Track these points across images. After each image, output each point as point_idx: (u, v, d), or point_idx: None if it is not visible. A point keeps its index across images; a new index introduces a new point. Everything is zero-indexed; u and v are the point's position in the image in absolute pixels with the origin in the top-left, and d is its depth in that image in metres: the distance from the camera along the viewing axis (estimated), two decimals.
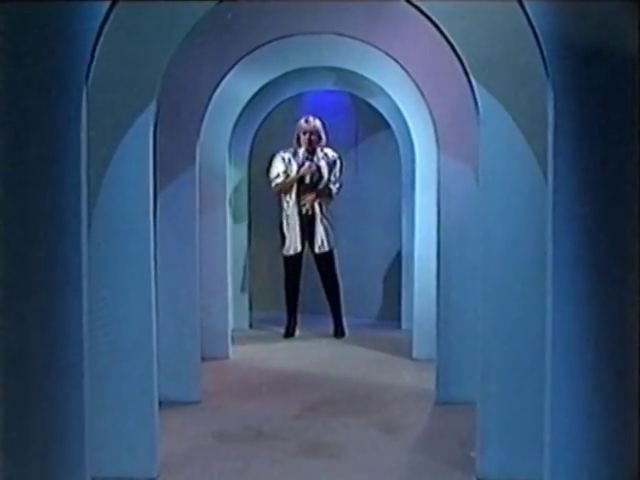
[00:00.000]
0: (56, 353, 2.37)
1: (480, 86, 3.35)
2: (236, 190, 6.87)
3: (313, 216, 6.59)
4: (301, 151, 6.62)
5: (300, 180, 6.59)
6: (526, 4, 2.48)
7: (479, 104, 3.36)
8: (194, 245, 4.63)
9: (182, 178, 4.57)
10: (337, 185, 6.66)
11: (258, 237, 7.20)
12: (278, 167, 6.61)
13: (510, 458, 3.39)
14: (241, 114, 5.95)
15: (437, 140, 4.63)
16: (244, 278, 7.06)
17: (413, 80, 4.79)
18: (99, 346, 3.21)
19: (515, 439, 3.36)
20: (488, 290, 3.39)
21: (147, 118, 3.42)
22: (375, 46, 4.87)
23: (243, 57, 4.87)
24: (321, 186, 6.61)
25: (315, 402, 4.77)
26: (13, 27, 2.23)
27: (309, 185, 6.61)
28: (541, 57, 2.48)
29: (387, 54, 4.86)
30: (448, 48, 3.47)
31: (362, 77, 5.78)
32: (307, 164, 6.58)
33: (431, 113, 4.68)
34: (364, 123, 7.41)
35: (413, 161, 5.92)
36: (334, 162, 6.66)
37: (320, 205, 6.60)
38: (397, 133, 6.62)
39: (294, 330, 6.75)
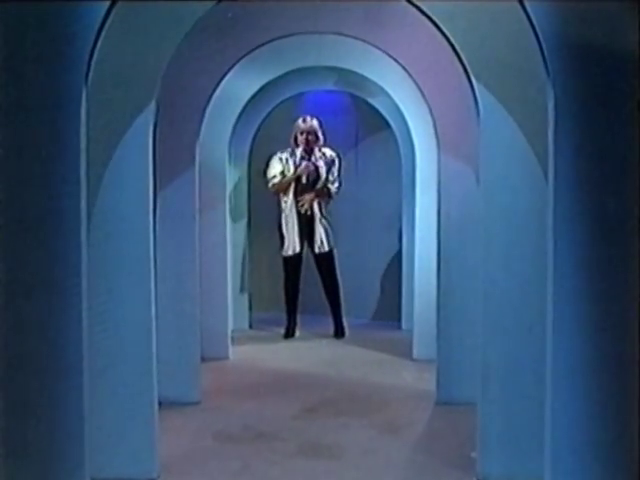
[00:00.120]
0: (55, 353, 2.36)
1: (480, 86, 3.34)
2: (236, 190, 6.86)
3: (312, 216, 6.58)
4: (299, 151, 6.61)
5: (297, 180, 6.59)
6: (527, 4, 2.47)
7: (479, 104, 3.35)
8: (194, 245, 4.62)
9: (182, 178, 4.57)
10: (336, 185, 6.65)
11: (258, 237, 7.20)
12: (275, 167, 6.60)
13: (510, 458, 3.39)
14: (241, 114, 5.95)
15: (437, 140, 4.63)
16: (244, 278, 7.05)
17: (413, 80, 4.78)
18: (99, 346, 3.21)
19: (515, 439, 3.35)
20: (488, 290, 3.39)
21: (147, 118, 3.42)
22: (375, 46, 4.87)
23: (243, 57, 4.87)
24: (319, 186, 6.60)
25: (315, 403, 4.77)
26: (13, 27, 2.23)
27: (307, 185, 6.60)
28: (541, 57, 2.47)
29: (387, 54, 4.86)
30: (448, 48, 3.46)
31: (362, 77, 5.78)
32: (304, 164, 6.58)
33: (431, 113, 4.67)
34: (364, 123, 7.40)
35: (413, 161, 5.92)
36: (332, 161, 6.65)
37: (319, 205, 6.60)
38: (397, 133, 6.61)
39: (294, 330, 6.74)
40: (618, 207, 2.38)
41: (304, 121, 6.59)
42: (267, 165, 6.65)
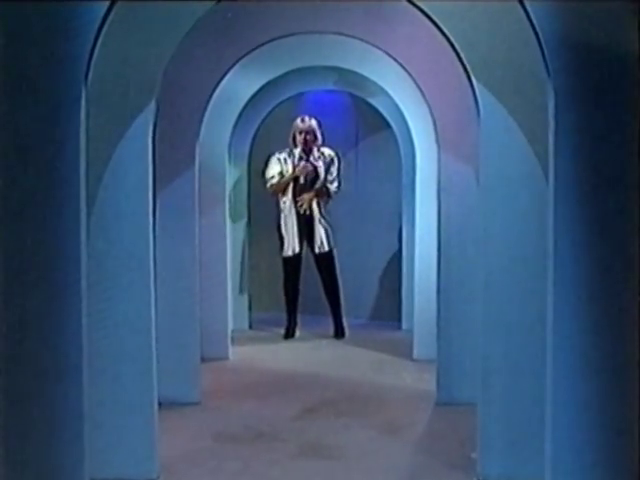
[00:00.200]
0: (55, 354, 2.36)
1: (481, 86, 3.34)
2: (235, 190, 6.85)
3: (311, 216, 6.57)
4: (297, 151, 6.61)
5: (296, 180, 6.58)
6: (527, 3, 2.47)
7: (479, 104, 3.35)
8: (194, 245, 4.62)
9: (182, 178, 4.56)
10: (336, 184, 6.63)
11: (258, 237, 7.19)
12: (274, 168, 6.60)
13: (511, 459, 3.38)
14: (241, 114, 5.94)
15: (437, 140, 4.62)
16: (244, 278, 7.05)
17: (413, 80, 4.78)
18: (98, 347, 3.20)
19: (516, 440, 3.35)
20: (489, 290, 3.39)
21: (146, 117, 3.41)
22: (375, 46, 4.87)
23: (243, 56, 4.86)
24: (317, 186, 6.59)
25: (315, 403, 4.76)
26: (12, 27, 2.22)
27: (305, 185, 6.59)
28: (542, 56, 2.47)
29: (387, 54, 4.85)
30: (448, 48, 3.46)
31: (362, 77, 5.77)
32: (302, 164, 6.57)
33: (431, 113, 4.67)
34: (364, 123, 7.40)
35: (413, 161, 5.91)
36: (331, 160, 6.64)
37: (318, 205, 6.59)
38: (397, 133, 6.61)
39: (294, 331, 6.73)
40: (618, 207, 2.38)
41: (302, 121, 6.59)
42: (266, 165, 6.64)
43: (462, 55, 3.40)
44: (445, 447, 3.95)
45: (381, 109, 6.61)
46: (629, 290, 2.36)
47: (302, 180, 6.58)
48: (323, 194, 6.60)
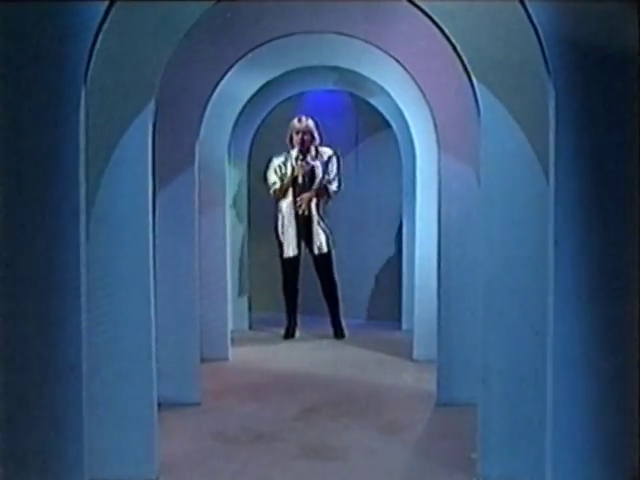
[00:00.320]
0: (54, 354, 2.36)
1: (481, 85, 3.33)
2: (235, 190, 6.85)
3: (310, 217, 6.56)
4: (295, 152, 6.60)
5: (295, 181, 6.57)
6: (527, 3, 2.47)
7: (480, 103, 3.34)
8: (193, 245, 4.61)
9: (181, 178, 4.56)
10: (335, 184, 6.61)
11: (257, 237, 7.18)
12: (274, 174, 6.59)
13: (511, 459, 3.37)
14: (241, 113, 5.93)
15: (438, 140, 4.61)
16: (243, 278, 7.04)
17: (414, 79, 4.77)
18: (98, 347, 3.19)
19: (516, 440, 3.34)
20: (489, 290, 3.38)
21: (146, 117, 3.40)
22: (376, 45, 4.86)
23: (243, 56, 4.86)
24: (315, 186, 6.58)
25: (315, 404, 4.76)
26: (12, 27, 2.22)
27: (304, 185, 6.58)
28: (542, 56, 2.47)
29: (388, 53, 4.85)
30: (449, 47, 3.45)
31: (362, 76, 5.77)
32: (299, 164, 6.55)
33: (432, 113, 4.66)
34: (364, 123, 7.39)
35: (414, 161, 5.91)
36: (329, 159, 6.62)
37: (317, 206, 6.57)
38: (398, 133, 6.60)
39: (294, 331, 6.73)
40: (619, 206, 2.37)
41: (299, 121, 6.58)
42: (266, 169, 6.63)
43: (462, 55, 3.40)
44: (445, 447, 3.94)
45: (381, 109, 6.60)
46: (630, 290, 2.35)
47: (300, 180, 6.57)
48: (323, 194, 6.59)
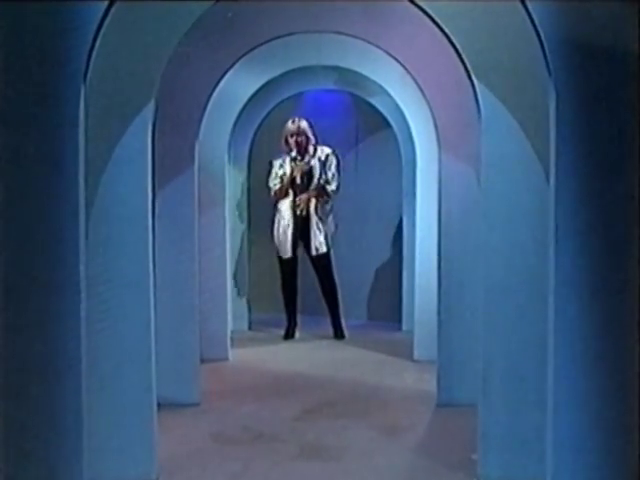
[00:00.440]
0: (54, 355, 2.35)
1: (482, 85, 3.33)
2: (235, 190, 6.84)
3: (308, 218, 6.55)
4: (293, 153, 6.59)
5: (293, 181, 6.57)
6: (528, 4, 2.46)
7: (480, 103, 3.33)
8: (193, 245, 4.60)
9: (181, 178, 4.55)
10: (335, 184, 6.59)
11: (257, 237, 7.18)
12: (275, 176, 6.59)
13: (512, 460, 3.37)
14: (241, 113, 5.93)
15: (438, 140, 4.61)
16: (243, 279, 7.04)
17: (414, 79, 4.77)
18: (97, 348, 3.19)
19: (517, 441, 3.33)
20: (489, 291, 3.37)
21: (146, 117, 3.40)
22: (376, 45, 4.86)
23: (243, 56, 4.85)
24: (313, 186, 6.57)
25: (315, 404, 4.75)
26: (11, 26, 2.22)
27: (302, 186, 6.57)
28: (543, 56, 2.46)
29: (388, 53, 4.84)
30: (450, 47, 3.44)
31: (362, 76, 5.76)
32: (297, 164, 6.55)
33: (432, 113, 4.66)
34: (365, 123, 7.39)
35: (414, 161, 5.90)
36: (327, 159, 6.60)
37: (315, 206, 6.56)
38: (398, 133, 6.60)
39: (294, 332, 6.72)
40: (619, 207, 2.37)
41: (292, 122, 6.57)
42: (268, 174, 6.64)
43: (463, 54, 3.39)
44: (445, 448, 3.94)
45: (381, 109, 6.60)
46: (631, 291, 2.35)
47: (299, 181, 6.56)
48: (321, 194, 6.57)
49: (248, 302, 7.08)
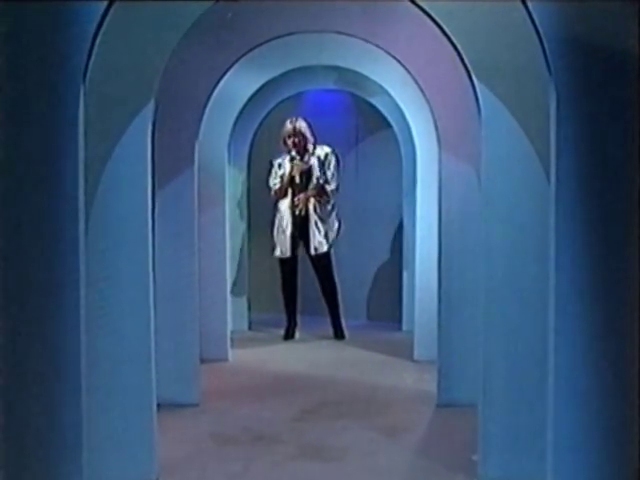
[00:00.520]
0: (53, 355, 2.35)
1: (482, 85, 3.32)
2: (235, 190, 6.84)
3: (307, 217, 6.54)
4: (292, 153, 6.59)
5: (292, 181, 6.57)
6: (529, 3, 2.46)
7: (481, 103, 3.33)
8: (193, 245, 4.60)
9: (181, 178, 4.55)
10: (334, 184, 6.58)
11: (257, 237, 7.18)
12: (275, 176, 6.59)
13: (512, 461, 3.36)
14: (241, 113, 5.92)
15: (438, 140, 4.60)
16: (243, 279, 7.03)
17: (414, 79, 4.76)
18: (97, 348, 3.18)
19: (517, 442, 3.33)
20: (490, 291, 3.37)
21: (145, 117, 3.39)
22: (376, 45, 4.85)
23: (243, 55, 4.85)
24: (312, 185, 6.56)
25: (315, 404, 4.74)
26: (11, 26, 2.22)
27: (301, 185, 6.57)
28: (543, 56, 2.46)
29: (388, 53, 4.84)
30: (450, 47, 3.44)
31: (363, 76, 5.76)
32: (295, 164, 6.55)
33: (432, 112, 4.65)
34: (365, 122, 7.38)
35: (414, 161, 5.90)
36: (326, 158, 6.60)
37: (314, 206, 6.55)
38: (398, 133, 6.59)
39: (294, 332, 6.72)
40: (620, 207, 2.37)
41: (290, 123, 6.55)
42: (268, 177, 6.64)
43: (463, 54, 3.38)
44: (446, 449, 3.93)
45: (381, 108, 6.59)
46: (631, 290, 2.35)
47: (297, 180, 6.56)
48: (321, 194, 6.56)
49: (248, 302, 7.08)
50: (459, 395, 4.45)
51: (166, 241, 4.47)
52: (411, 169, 6.18)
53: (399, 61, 4.82)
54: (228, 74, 4.86)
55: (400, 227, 6.97)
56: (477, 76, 3.34)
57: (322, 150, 6.61)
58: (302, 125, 6.55)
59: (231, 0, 4.38)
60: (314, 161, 6.57)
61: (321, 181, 6.55)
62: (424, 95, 4.72)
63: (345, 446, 4.00)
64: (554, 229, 2.44)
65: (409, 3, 3.34)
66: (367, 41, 4.87)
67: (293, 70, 5.82)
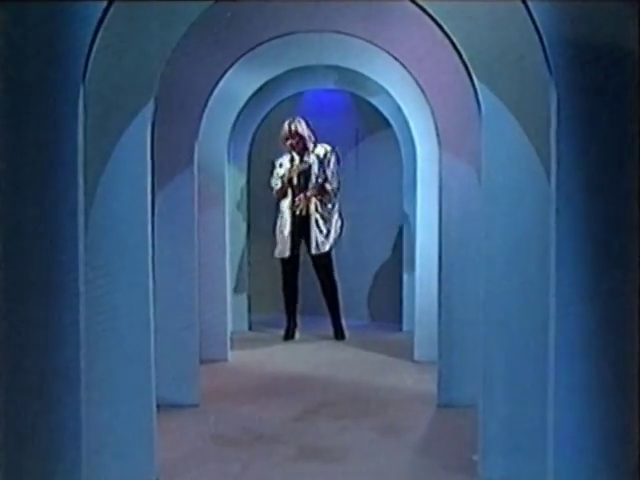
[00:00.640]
0: (52, 356, 2.35)
1: (482, 85, 3.32)
2: (235, 190, 6.83)
3: (308, 217, 6.54)
4: (293, 154, 6.58)
5: (290, 181, 6.56)
6: (529, 3, 2.46)
7: (481, 103, 3.32)
8: (192, 246, 4.60)
9: (180, 178, 4.54)
10: (335, 182, 6.58)
11: (257, 237, 7.17)
12: (276, 175, 6.59)
13: (512, 461, 3.36)
14: (240, 113, 5.92)
15: (439, 139, 4.60)
16: (243, 279, 7.02)
17: (414, 79, 4.76)
18: (96, 348, 3.17)
19: (517, 442, 3.32)
20: (490, 291, 3.36)
21: (145, 117, 3.39)
22: (376, 45, 4.85)
23: (242, 55, 4.85)
24: (311, 185, 6.55)
25: (315, 405, 4.74)
26: (11, 26, 2.22)
27: (300, 185, 6.56)
28: (544, 56, 2.46)
29: (388, 53, 4.84)
30: (450, 47, 3.44)
31: (363, 76, 5.75)
32: (294, 164, 6.54)
33: (433, 112, 4.65)
34: (365, 122, 7.38)
35: (414, 161, 5.89)
36: (325, 156, 6.59)
37: (315, 205, 6.54)
38: (398, 132, 6.59)
39: (294, 332, 6.71)
40: (620, 206, 2.36)
41: (289, 124, 6.54)
42: (271, 175, 6.63)
43: (463, 54, 3.38)
44: (446, 449, 3.93)
45: (382, 108, 6.59)
46: (631, 291, 2.34)
47: (295, 181, 6.56)
48: (323, 193, 6.55)
49: (248, 302, 7.07)
50: (459, 395, 4.45)
51: (166, 241, 4.46)
52: (411, 169, 6.18)
53: (399, 61, 4.82)
54: (228, 74, 4.86)
55: (400, 227, 6.97)
56: (477, 76, 3.34)
57: (322, 149, 6.60)
58: (299, 126, 6.53)
59: (231, 0, 4.37)
60: (314, 159, 6.56)
61: (320, 180, 6.54)
62: (424, 95, 4.71)
63: (345, 446, 4.00)
64: (554, 229, 2.44)
65: (409, 3, 3.34)
66: (367, 41, 4.87)
67: (293, 70, 5.81)
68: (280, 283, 6.77)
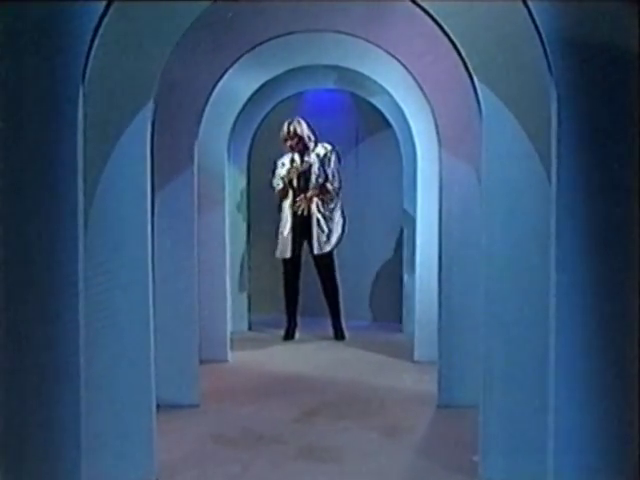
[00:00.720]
0: (52, 356, 2.35)
1: (482, 85, 3.31)
2: (235, 190, 6.83)
3: (309, 217, 6.53)
4: (294, 154, 6.58)
5: (291, 181, 6.56)
6: (529, 3, 2.46)
7: (481, 103, 3.32)
8: (192, 246, 4.59)
9: (180, 178, 4.54)
10: (336, 182, 6.57)
11: (257, 237, 7.17)
12: (277, 175, 6.60)
13: (513, 462, 3.35)
14: (240, 113, 5.92)
15: (439, 139, 4.60)
16: (243, 279, 7.02)
17: (415, 79, 4.76)
18: (96, 348, 3.17)
19: (518, 442, 3.32)
20: (490, 291, 3.36)
21: (145, 117, 3.38)
22: (376, 44, 4.85)
23: (242, 55, 4.84)
24: (312, 185, 6.55)
25: (315, 405, 4.74)
26: (11, 26, 2.21)
27: (299, 185, 6.56)
28: (544, 56, 2.46)
29: (388, 52, 4.83)
30: (450, 47, 3.43)
31: (363, 76, 5.75)
32: (294, 165, 6.54)
33: (433, 112, 4.65)
34: (365, 122, 7.38)
35: (414, 161, 5.89)
36: (325, 155, 6.59)
37: (317, 205, 6.54)
38: (398, 132, 6.58)
39: (294, 333, 6.71)
40: (621, 206, 2.36)
41: (288, 125, 6.54)
42: (273, 175, 6.63)
43: (464, 54, 3.38)
44: (446, 450, 3.92)
45: (382, 108, 6.58)
46: (632, 290, 2.34)
47: (295, 182, 6.56)
48: (324, 193, 6.54)
49: (248, 302, 7.07)
50: (459, 396, 4.44)
51: (165, 241, 4.46)
52: (411, 169, 6.17)
53: (399, 61, 4.82)
54: (228, 74, 4.86)
55: (400, 227, 6.97)
56: (477, 75, 3.33)
57: (322, 148, 6.59)
58: (298, 127, 6.53)
59: (231, 0, 4.37)
60: (314, 159, 6.56)
61: (321, 180, 6.53)
62: (424, 95, 4.71)
63: (345, 447, 3.99)
64: (555, 229, 2.44)
65: (409, 3, 3.33)
66: (367, 41, 4.87)
67: (293, 70, 5.81)
68: (281, 283, 6.77)
